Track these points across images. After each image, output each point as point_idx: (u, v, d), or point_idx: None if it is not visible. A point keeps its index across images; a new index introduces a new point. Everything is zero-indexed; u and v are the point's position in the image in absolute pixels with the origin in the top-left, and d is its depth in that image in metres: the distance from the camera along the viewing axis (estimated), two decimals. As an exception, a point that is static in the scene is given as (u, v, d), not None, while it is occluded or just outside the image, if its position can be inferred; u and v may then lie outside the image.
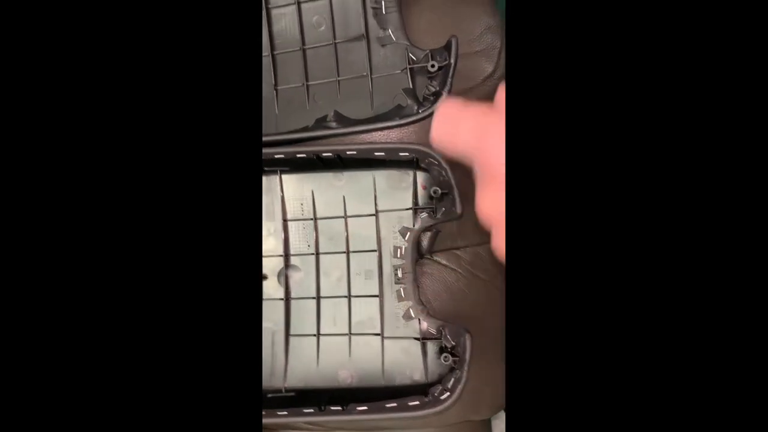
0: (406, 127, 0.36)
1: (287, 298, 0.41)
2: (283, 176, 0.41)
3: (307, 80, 0.40)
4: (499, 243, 0.25)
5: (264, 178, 0.41)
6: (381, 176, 0.40)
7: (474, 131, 0.26)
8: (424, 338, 0.39)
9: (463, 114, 0.26)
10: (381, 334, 0.39)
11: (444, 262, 0.45)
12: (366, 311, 0.40)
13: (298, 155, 0.37)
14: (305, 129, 0.37)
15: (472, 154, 0.26)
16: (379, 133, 0.36)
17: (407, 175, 0.40)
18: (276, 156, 0.37)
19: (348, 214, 0.41)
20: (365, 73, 0.39)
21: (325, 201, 0.41)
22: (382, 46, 0.38)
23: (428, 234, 0.41)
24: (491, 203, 0.25)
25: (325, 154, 0.37)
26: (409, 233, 0.39)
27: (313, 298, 0.41)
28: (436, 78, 0.36)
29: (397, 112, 0.36)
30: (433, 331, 0.38)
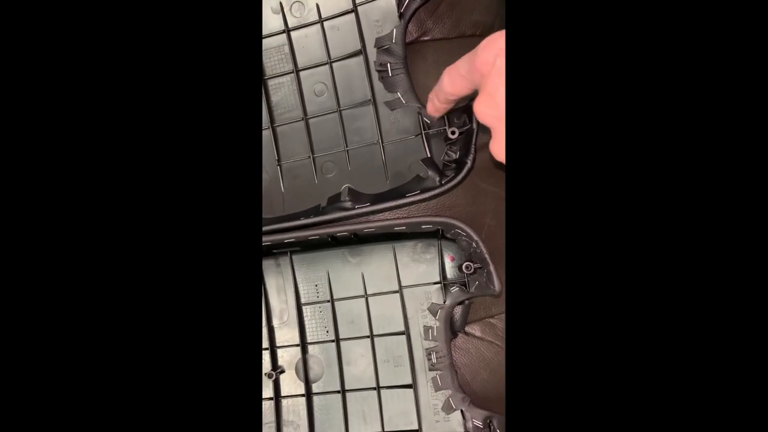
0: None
1: (308, 394, 0.37)
2: (294, 257, 0.37)
3: (312, 152, 0.37)
4: (497, 146, 0.25)
5: (273, 261, 0.38)
6: (402, 249, 0.36)
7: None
8: (469, 434, 0.34)
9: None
10: (419, 431, 0.35)
11: (479, 334, 0.41)
12: (399, 404, 0.35)
13: (311, 237, 0.34)
14: (317, 210, 0.33)
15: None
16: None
17: (432, 247, 0.36)
18: (286, 241, 0.34)
19: (368, 293, 0.37)
20: (376, 141, 0.36)
21: (342, 280, 0.37)
22: (392, 110, 0.35)
23: (460, 308, 0.36)
24: (487, 106, 0.25)
25: (340, 234, 0.33)
26: (440, 311, 0.35)
27: (338, 392, 0.36)
28: (455, 143, 0.32)
29: (418, 184, 0.32)
30: (479, 424, 0.34)
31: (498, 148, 0.26)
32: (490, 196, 0.37)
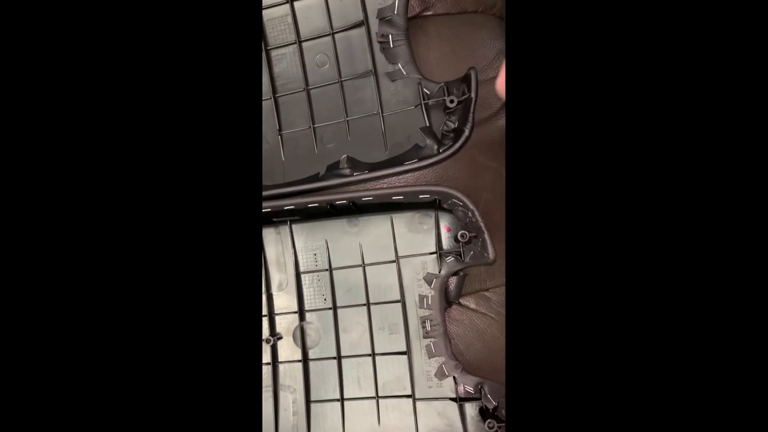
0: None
1: (305, 360, 0.37)
2: (294, 226, 0.38)
3: (313, 123, 0.37)
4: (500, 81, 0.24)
5: (272, 229, 0.38)
6: (399, 219, 0.37)
7: None
8: (461, 399, 0.35)
9: None
10: (412, 396, 0.36)
11: (473, 306, 0.41)
12: (393, 370, 0.36)
13: (310, 205, 0.34)
14: (316, 177, 0.34)
15: None
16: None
17: (428, 217, 0.36)
18: (286, 208, 0.34)
19: (366, 262, 0.37)
20: (376, 111, 0.36)
21: (341, 249, 0.38)
22: (392, 81, 0.36)
23: (455, 278, 0.37)
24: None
25: (339, 202, 0.34)
26: (435, 280, 0.36)
27: (334, 358, 0.37)
28: (454, 113, 0.33)
29: (416, 152, 0.33)
30: (470, 389, 0.35)
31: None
32: (489, 171, 0.38)
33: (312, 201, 0.33)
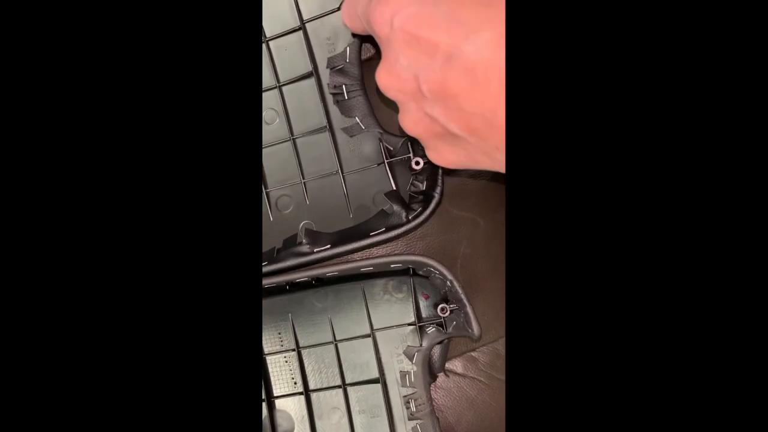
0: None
1: (278, 455, 0.33)
2: (253, 303, 0.34)
3: (265, 186, 0.33)
4: (408, 120, 0.23)
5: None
6: (372, 288, 0.33)
7: None
8: (456, 490, 0.31)
9: None
10: (401, 489, 0.32)
11: (461, 371, 0.38)
12: (378, 461, 0.32)
13: (266, 286, 0.30)
14: (272, 255, 0.30)
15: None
16: (363, 245, 0.30)
17: (404, 284, 0.33)
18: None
19: (337, 338, 0.33)
20: (335, 170, 0.32)
21: (307, 326, 0.33)
22: (351, 137, 0.32)
23: (438, 347, 0.33)
24: (389, 76, 0.22)
25: (300, 280, 0.30)
26: (416, 354, 0.32)
27: (310, 450, 0.33)
28: (421, 173, 0.29)
29: (383, 220, 0.29)
30: (465, 478, 0.31)
31: (409, 122, 0.23)
32: (463, 222, 0.34)
33: (269, 283, 0.29)
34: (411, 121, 0.23)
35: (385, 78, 0.22)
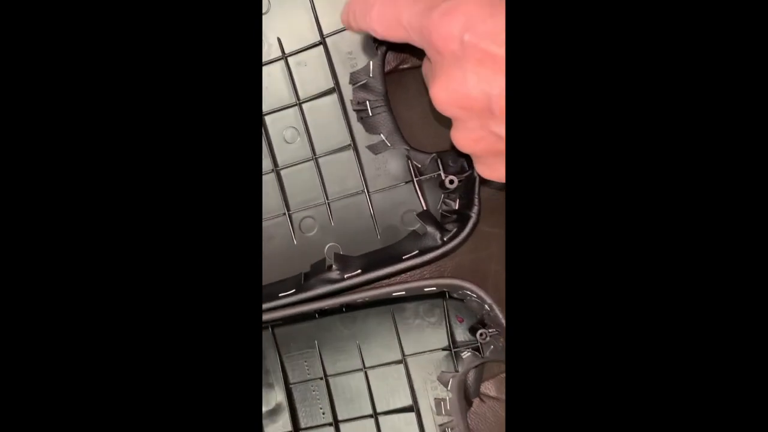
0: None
1: (308, 491, 0.31)
2: (276, 330, 0.32)
3: (288, 208, 0.31)
4: (461, 136, 0.21)
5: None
6: (402, 312, 0.31)
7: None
8: None
9: None
10: None
11: (494, 393, 0.36)
12: (415, 495, 0.31)
13: (294, 314, 0.28)
14: (299, 282, 0.28)
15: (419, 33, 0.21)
16: (394, 268, 0.28)
17: (436, 307, 0.31)
18: (265, 320, 0.29)
19: (367, 365, 0.32)
20: (360, 190, 0.31)
21: (335, 353, 0.32)
22: (376, 154, 0.31)
23: (473, 372, 0.32)
24: (450, 94, 0.20)
25: (328, 306, 0.28)
26: (451, 380, 0.31)
27: (342, 485, 0.31)
28: (454, 192, 0.28)
29: (415, 242, 0.28)
30: None
31: (467, 140, 0.21)
32: (493, 239, 0.33)
33: (297, 312, 0.28)
34: (471, 139, 0.21)
35: (445, 95, 0.20)
